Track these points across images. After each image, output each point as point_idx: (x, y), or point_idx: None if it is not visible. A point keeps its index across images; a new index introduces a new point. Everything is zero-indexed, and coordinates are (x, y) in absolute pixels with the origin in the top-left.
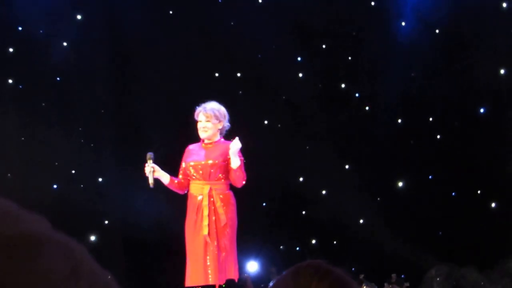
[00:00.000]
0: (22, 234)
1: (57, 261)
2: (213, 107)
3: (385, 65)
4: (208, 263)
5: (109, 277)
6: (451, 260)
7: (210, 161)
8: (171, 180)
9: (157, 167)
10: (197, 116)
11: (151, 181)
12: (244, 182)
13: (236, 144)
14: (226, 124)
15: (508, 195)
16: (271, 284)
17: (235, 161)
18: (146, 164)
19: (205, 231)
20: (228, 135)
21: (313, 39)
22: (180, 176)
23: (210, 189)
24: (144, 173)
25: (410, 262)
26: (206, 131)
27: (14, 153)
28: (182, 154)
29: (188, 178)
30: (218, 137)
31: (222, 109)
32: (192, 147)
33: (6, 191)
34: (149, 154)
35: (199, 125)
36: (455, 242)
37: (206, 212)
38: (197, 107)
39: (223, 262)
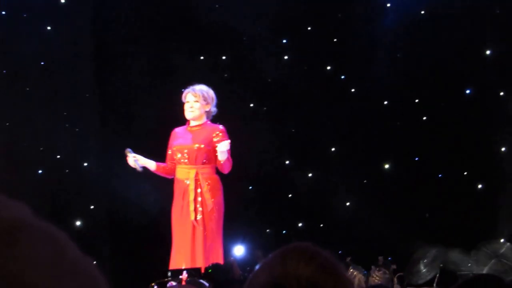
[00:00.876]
0: (3, 219)
1: (38, 247)
2: (202, 88)
3: (371, 46)
4: (195, 247)
5: (93, 263)
6: (438, 242)
7: (196, 145)
8: (157, 166)
9: (139, 156)
10: (185, 97)
11: (138, 168)
12: (230, 169)
13: (225, 146)
14: (213, 108)
15: (495, 176)
16: (257, 267)
17: (222, 156)
18: (128, 157)
19: (192, 216)
20: (215, 119)
21: (298, 21)
22: (168, 162)
23: (197, 173)
24: (129, 166)
25: (397, 245)
26: (193, 111)
27: None
28: (168, 139)
29: (175, 162)
30: (204, 119)
31: (211, 92)
32: (177, 130)
33: None
34: (127, 150)
35: (186, 106)
36: (442, 224)
37: (192, 197)
38: (184, 89)
39: (209, 246)
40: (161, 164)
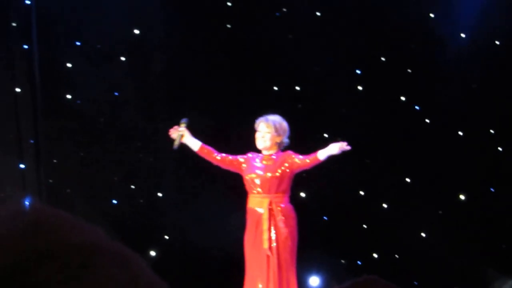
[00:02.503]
0: (77, 243)
1: (113, 270)
2: (275, 119)
3: (445, 77)
4: (269, 277)
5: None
6: None
7: (269, 174)
8: (201, 147)
9: (187, 133)
10: (258, 125)
11: (176, 143)
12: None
13: (337, 147)
14: (285, 140)
15: None
16: None
17: (324, 156)
18: (177, 127)
19: (265, 245)
20: (287, 148)
21: (371, 51)
22: (226, 155)
23: (270, 202)
24: (170, 134)
25: (472, 276)
26: (264, 141)
27: (73, 168)
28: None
29: (229, 167)
30: (276, 149)
31: (284, 124)
32: (252, 155)
33: (65, 206)
34: (184, 120)
35: (258, 135)
36: None
37: (265, 226)
38: (259, 117)
39: (283, 276)
40: (206, 147)
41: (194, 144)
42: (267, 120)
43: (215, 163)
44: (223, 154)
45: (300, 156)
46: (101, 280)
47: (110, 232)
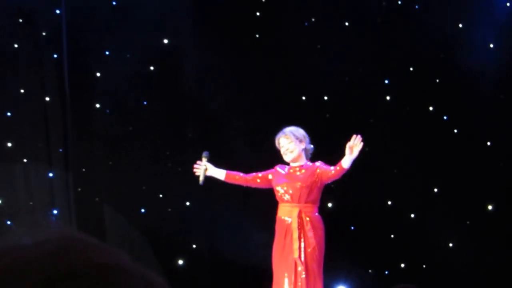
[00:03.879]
0: (101, 265)
1: None
2: (291, 129)
3: (473, 87)
4: (297, 286)
5: None
6: None
7: (299, 184)
8: (227, 175)
9: (210, 165)
10: (278, 143)
11: (201, 178)
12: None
13: (355, 148)
14: (308, 146)
15: None
16: None
17: (349, 162)
18: (199, 162)
19: (296, 254)
20: (316, 158)
21: (400, 61)
22: (255, 175)
23: (300, 212)
24: (194, 171)
25: (501, 287)
26: (291, 151)
27: (102, 177)
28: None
29: (264, 185)
30: (304, 160)
31: (301, 130)
32: (280, 168)
33: (94, 215)
34: (205, 153)
35: (282, 150)
36: None
37: (296, 235)
38: (276, 135)
39: (311, 286)
40: (233, 173)
41: (219, 174)
42: (284, 133)
43: (245, 185)
44: (252, 174)
45: (331, 168)
46: None
47: (139, 240)
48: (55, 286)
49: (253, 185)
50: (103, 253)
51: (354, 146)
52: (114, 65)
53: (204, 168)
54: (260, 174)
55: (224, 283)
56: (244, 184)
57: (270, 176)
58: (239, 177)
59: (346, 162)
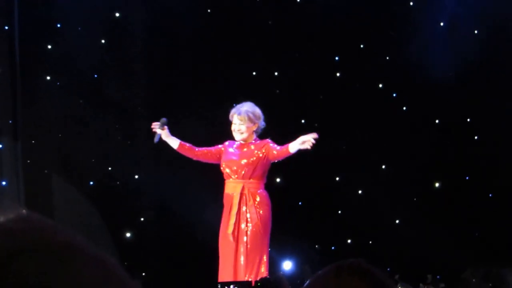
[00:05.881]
0: (59, 243)
1: (89, 267)
2: (247, 109)
3: (423, 65)
4: (237, 261)
5: (139, 286)
6: (489, 261)
7: (244, 161)
8: (180, 145)
9: (167, 132)
10: (232, 117)
11: (156, 137)
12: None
13: (305, 142)
14: (261, 123)
15: None
16: (308, 281)
17: (295, 149)
18: (158, 125)
19: (230, 230)
20: (265, 135)
21: (350, 38)
22: (204, 149)
23: (243, 188)
24: (152, 128)
25: (446, 263)
26: (242, 133)
27: (51, 149)
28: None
29: (211, 159)
30: (253, 138)
31: (257, 111)
32: (229, 143)
33: (42, 186)
34: (163, 119)
35: (233, 127)
36: (493, 243)
37: (234, 211)
38: (232, 108)
39: (254, 261)
40: (186, 144)
41: (173, 142)
42: (239, 113)
43: (195, 158)
44: (203, 148)
45: (277, 147)
46: (80, 277)
47: (87, 212)
48: (11, 262)
49: (204, 159)
50: (58, 233)
51: (307, 142)
52: (66, 38)
53: (161, 129)
54: (212, 149)
55: (171, 256)
56: (194, 157)
57: (222, 150)
58: (190, 149)
59: (293, 148)
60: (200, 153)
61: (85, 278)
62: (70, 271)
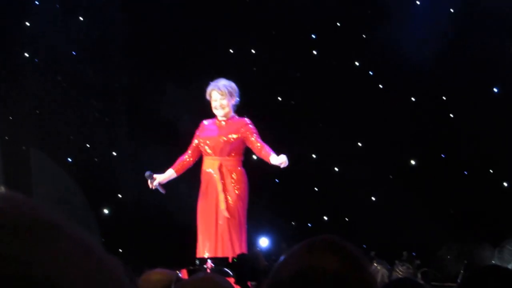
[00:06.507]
0: (39, 220)
1: (72, 244)
2: (225, 84)
3: (399, 43)
4: (217, 237)
5: (119, 263)
6: (463, 238)
7: (223, 138)
8: (176, 170)
9: (159, 177)
10: (210, 94)
11: (160, 190)
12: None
13: (279, 162)
14: (237, 99)
15: None
16: (283, 257)
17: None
18: (149, 182)
19: (222, 206)
20: (242, 112)
21: (327, 16)
22: (190, 152)
23: (220, 165)
24: (152, 188)
25: (421, 240)
26: (224, 108)
27: (29, 125)
28: (195, 129)
29: (201, 153)
30: (232, 113)
31: (233, 85)
32: (206, 122)
33: (20, 163)
34: (147, 174)
35: (214, 104)
36: (467, 221)
37: (220, 187)
38: (209, 86)
39: (231, 237)
40: (179, 166)
41: (170, 175)
42: (218, 88)
43: (192, 164)
44: (189, 152)
45: (259, 143)
46: (64, 253)
47: (65, 188)
48: None
49: (197, 158)
50: (38, 210)
51: (283, 163)
52: (44, 15)
53: (157, 183)
54: (193, 145)
55: (148, 233)
56: (191, 164)
57: (196, 141)
58: (182, 164)
59: (273, 160)
60: (191, 157)
61: (65, 255)
62: (51, 248)
